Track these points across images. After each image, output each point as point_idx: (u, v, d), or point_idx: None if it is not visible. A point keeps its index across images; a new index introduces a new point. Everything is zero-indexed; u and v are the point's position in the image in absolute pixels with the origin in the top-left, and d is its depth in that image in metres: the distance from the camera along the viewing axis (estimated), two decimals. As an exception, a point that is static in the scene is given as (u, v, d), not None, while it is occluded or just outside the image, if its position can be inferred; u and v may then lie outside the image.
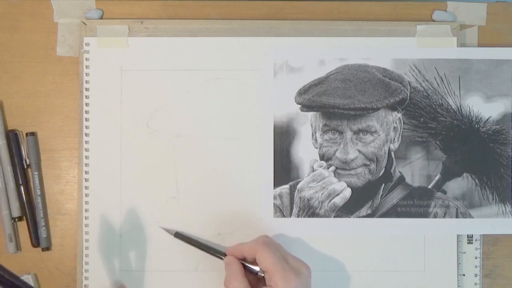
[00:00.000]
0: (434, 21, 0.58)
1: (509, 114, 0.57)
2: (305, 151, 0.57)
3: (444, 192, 0.57)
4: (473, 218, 0.57)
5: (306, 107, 0.57)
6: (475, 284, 0.57)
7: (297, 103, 0.57)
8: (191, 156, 0.57)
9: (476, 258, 0.57)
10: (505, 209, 0.57)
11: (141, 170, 0.57)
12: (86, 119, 0.57)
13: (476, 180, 0.57)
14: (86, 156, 0.57)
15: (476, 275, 0.57)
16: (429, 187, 0.57)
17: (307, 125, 0.57)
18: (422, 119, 0.57)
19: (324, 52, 0.57)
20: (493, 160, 0.57)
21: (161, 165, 0.57)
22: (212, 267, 0.56)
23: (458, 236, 0.57)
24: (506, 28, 0.59)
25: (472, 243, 0.57)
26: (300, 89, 0.57)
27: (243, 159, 0.57)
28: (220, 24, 0.58)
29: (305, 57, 0.57)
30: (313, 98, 0.57)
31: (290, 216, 0.57)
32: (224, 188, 0.57)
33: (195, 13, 0.59)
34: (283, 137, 0.57)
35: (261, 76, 0.57)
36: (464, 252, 0.57)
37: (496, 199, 0.57)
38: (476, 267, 0.57)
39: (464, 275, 0.57)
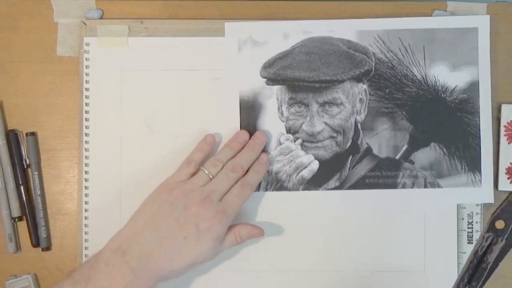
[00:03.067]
0: (434, 21, 0.58)
1: (476, 82, 0.57)
2: (271, 125, 0.57)
3: (412, 163, 0.57)
4: (441, 188, 0.57)
5: (272, 80, 0.57)
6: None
7: (263, 77, 0.57)
8: (191, 156, 0.57)
9: (476, 258, 0.57)
10: (474, 178, 0.57)
11: (141, 170, 0.57)
12: (86, 119, 0.57)
13: (444, 150, 0.57)
14: (86, 156, 0.57)
15: (476, 275, 0.57)
16: (397, 157, 0.57)
17: (272, 98, 0.57)
18: (387, 90, 0.57)
19: (288, 26, 0.57)
20: (461, 129, 0.57)
21: (161, 165, 0.57)
22: (212, 267, 0.56)
23: (458, 236, 0.57)
24: (506, 28, 0.59)
25: (472, 243, 0.57)
26: (265, 63, 0.57)
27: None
28: (220, 24, 0.58)
29: (269, 31, 0.57)
30: (278, 71, 0.57)
31: (259, 190, 0.57)
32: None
33: (195, 13, 0.59)
34: (249, 112, 0.57)
35: (225, 51, 0.57)
36: (464, 252, 0.57)
37: (465, 168, 0.57)
38: (476, 267, 0.57)
39: (464, 275, 0.57)
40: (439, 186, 0.57)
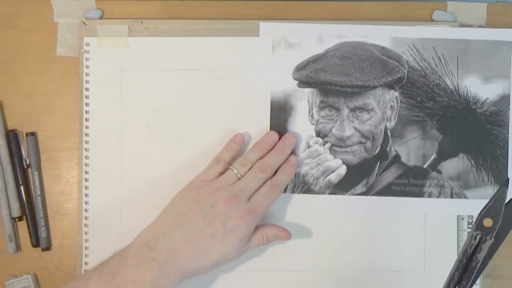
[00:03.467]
0: (434, 21, 0.58)
1: (507, 95, 0.57)
2: (301, 127, 0.57)
3: (439, 172, 0.57)
4: (467, 198, 0.57)
5: (304, 83, 0.57)
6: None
7: (295, 79, 0.57)
8: (191, 156, 0.57)
9: (476, 258, 0.57)
10: None
11: (141, 170, 0.57)
12: (86, 119, 0.57)
13: (472, 161, 0.57)
14: (86, 156, 0.57)
15: (476, 275, 0.57)
16: (425, 166, 0.57)
17: (304, 101, 0.57)
18: (419, 99, 0.57)
19: (322, 29, 0.57)
20: (490, 142, 0.57)
21: (161, 165, 0.57)
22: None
23: (458, 236, 0.57)
24: (506, 28, 0.59)
25: (472, 243, 0.57)
26: (298, 65, 0.57)
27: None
28: (220, 24, 0.58)
29: (304, 33, 0.57)
30: (310, 74, 0.57)
31: (285, 192, 0.57)
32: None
33: (195, 13, 0.59)
34: (280, 113, 0.57)
35: (259, 51, 0.57)
36: (464, 252, 0.57)
37: (491, 180, 0.57)
38: (476, 267, 0.57)
39: (464, 275, 0.57)
40: (465, 196, 0.57)
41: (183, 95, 0.57)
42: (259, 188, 0.52)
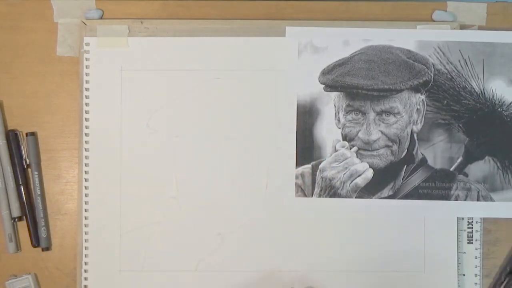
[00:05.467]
0: (434, 21, 0.58)
1: None
2: (328, 131, 0.57)
3: (466, 175, 0.57)
4: (494, 201, 0.57)
5: (330, 87, 0.57)
6: (475, 284, 0.57)
7: (321, 83, 0.57)
8: (191, 156, 0.57)
9: (476, 258, 0.57)
10: None
11: (141, 170, 0.57)
12: (86, 119, 0.57)
13: (498, 164, 0.57)
14: (86, 156, 0.57)
15: (476, 275, 0.57)
16: (451, 169, 0.57)
17: (330, 105, 0.57)
18: (445, 102, 0.57)
19: (348, 33, 0.57)
20: None
21: (161, 165, 0.57)
22: (212, 267, 0.56)
23: (458, 236, 0.57)
24: (506, 28, 0.59)
25: (472, 243, 0.57)
26: (324, 69, 0.57)
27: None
28: (220, 24, 0.58)
29: (330, 37, 0.57)
30: (337, 78, 0.57)
31: (312, 196, 0.57)
32: (224, 187, 0.57)
33: (195, 13, 0.59)
34: (306, 117, 0.57)
35: (285, 55, 0.57)
36: (464, 252, 0.57)
37: None
38: (476, 267, 0.57)
39: (464, 275, 0.57)
40: (491, 199, 0.57)
41: (183, 95, 0.57)
42: None
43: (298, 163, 0.57)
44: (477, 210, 0.57)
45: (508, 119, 0.57)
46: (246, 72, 0.57)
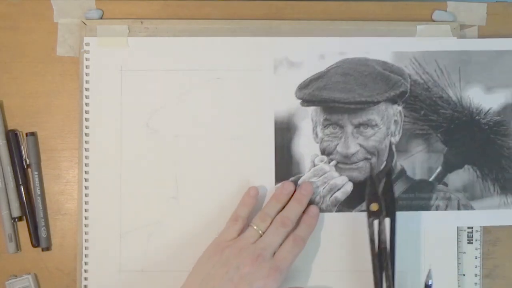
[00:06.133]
0: (434, 21, 0.58)
1: (510, 105, 0.57)
2: (306, 146, 0.57)
3: (446, 185, 0.57)
4: (474, 210, 0.57)
5: (307, 102, 0.57)
6: (475, 284, 0.57)
7: (298, 98, 0.57)
8: (191, 156, 0.57)
9: (476, 258, 0.57)
10: (507, 201, 0.57)
11: (141, 170, 0.57)
12: (86, 119, 0.57)
13: (478, 172, 0.57)
14: (86, 156, 0.57)
15: (476, 275, 0.57)
16: (430, 179, 0.57)
17: (307, 120, 0.57)
18: (422, 112, 0.57)
19: (324, 47, 0.57)
20: (495, 152, 0.57)
21: (161, 165, 0.57)
22: None
23: (458, 236, 0.57)
24: (506, 28, 0.59)
25: (472, 243, 0.57)
26: (300, 84, 0.57)
27: (244, 157, 0.57)
28: (220, 24, 0.58)
29: (305, 52, 0.57)
30: (313, 92, 0.57)
31: None
32: (224, 188, 0.57)
33: (195, 13, 0.59)
34: (284, 133, 0.57)
35: (261, 71, 0.57)
36: (464, 252, 0.57)
37: (497, 190, 0.57)
38: (476, 267, 0.57)
39: (464, 275, 0.57)
40: (472, 208, 0.57)
41: (183, 95, 0.57)
42: (282, 243, 0.52)
43: (278, 179, 0.57)
44: (457, 219, 0.57)
45: (486, 127, 0.57)
46: (246, 72, 0.57)
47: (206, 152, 0.57)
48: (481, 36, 0.58)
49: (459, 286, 0.57)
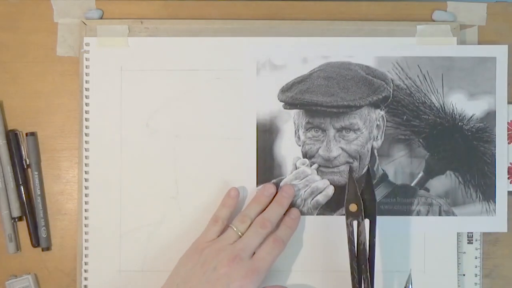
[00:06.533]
0: (434, 21, 0.58)
1: (493, 111, 0.57)
2: (288, 149, 0.57)
3: (427, 190, 0.57)
4: (456, 216, 0.57)
5: (289, 104, 0.57)
6: (475, 284, 0.57)
7: (280, 101, 0.57)
8: (191, 156, 0.57)
9: (476, 258, 0.57)
10: (489, 207, 0.57)
11: (141, 170, 0.57)
12: (86, 119, 0.57)
13: (460, 178, 0.57)
14: (86, 156, 0.57)
15: (476, 275, 0.57)
16: (412, 185, 0.57)
17: (290, 122, 0.57)
18: (405, 117, 0.57)
19: (307, 50, 0.57)
20: (477, 158, 0.57)
21: (161, 165, 0.57)
22: None
23: (458, 236, 0.57)
24: (506, 28, 0.59)
25: (472, 243, 0.57)
26: (283, 87, 0.57)
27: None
28: (220, 24, 0.58)
29: (288, 55, 0.57)
30: (296, 95, 0.57)
31: None
32: (224, 188, 0.57)
33: (195, 13, 0.59)
34: (266, 135, 0.57)
35: (243, 74, 0.57)
36: (464, 252, 0.57)
37: (479, 197, 0.57)
38: (476, 267, 0.57)
39: (464, 275, 0.57)
40: (453, 214, 0.57)
41: (183, 95, 0.57)
42: (261, 244, 0.52)
43: (259, 181, 0.57)
44: (439, 225, 0.56)
45: (469, 133, 0.57)
46: (246, 72, 0.57)
47: (206, 152, 0.57)
48: (481, 36, 0.58)
49: (459, 286, 0.57)
